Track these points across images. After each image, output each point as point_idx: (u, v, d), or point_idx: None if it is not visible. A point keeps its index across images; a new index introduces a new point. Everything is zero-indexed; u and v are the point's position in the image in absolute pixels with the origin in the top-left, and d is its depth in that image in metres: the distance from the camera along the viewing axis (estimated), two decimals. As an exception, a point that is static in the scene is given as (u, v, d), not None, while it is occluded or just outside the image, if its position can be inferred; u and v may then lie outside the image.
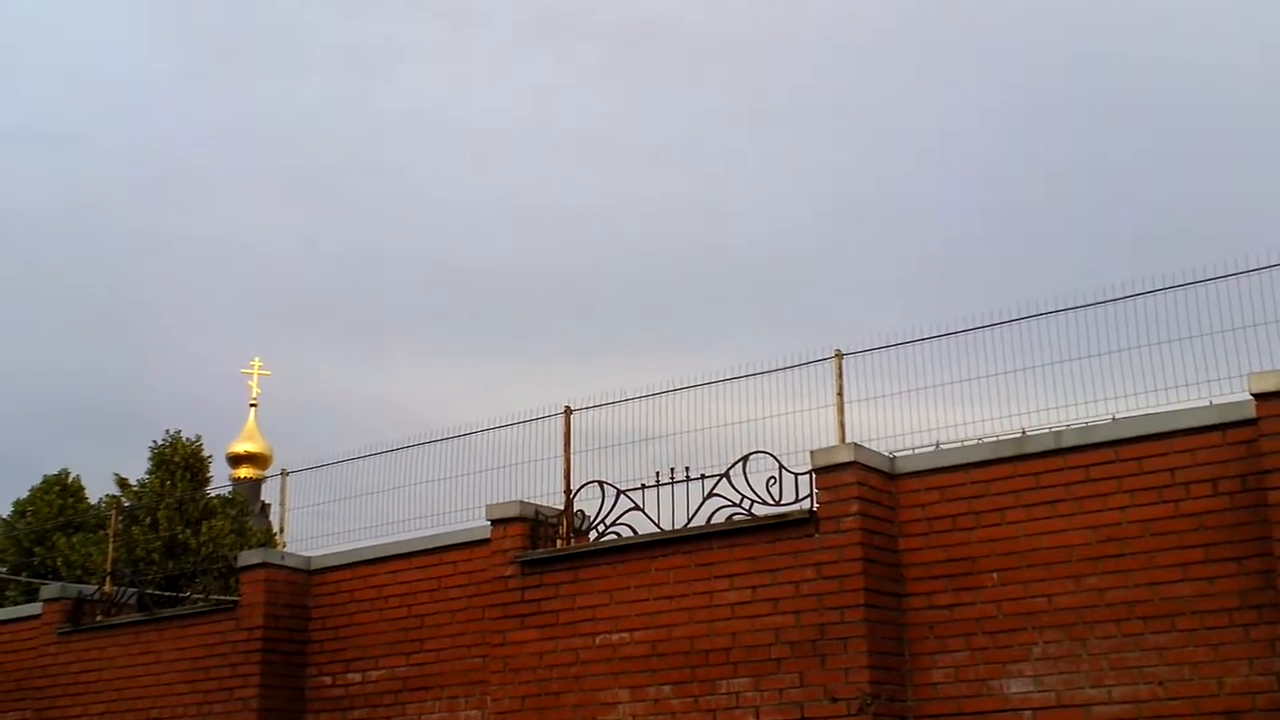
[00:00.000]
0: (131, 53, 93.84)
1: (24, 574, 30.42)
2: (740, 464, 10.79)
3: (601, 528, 11.45)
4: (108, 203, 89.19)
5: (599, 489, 11.55)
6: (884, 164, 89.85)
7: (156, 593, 15.45)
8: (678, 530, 10.96)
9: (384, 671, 12.81)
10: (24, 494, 34.57)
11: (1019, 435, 10.24)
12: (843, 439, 10.99)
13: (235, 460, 55.71)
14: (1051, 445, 9.85)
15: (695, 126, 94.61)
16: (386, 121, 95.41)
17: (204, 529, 31.10)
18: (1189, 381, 9.92)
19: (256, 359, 56.94)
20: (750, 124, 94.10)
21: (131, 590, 15.21)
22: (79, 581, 25.16)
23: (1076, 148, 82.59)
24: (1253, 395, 8.99)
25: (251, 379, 56.57)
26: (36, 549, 31.94)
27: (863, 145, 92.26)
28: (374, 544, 13.42)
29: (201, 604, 14.18)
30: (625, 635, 10.95)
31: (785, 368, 11.63)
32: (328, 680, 13.24)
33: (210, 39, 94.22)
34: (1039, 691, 9.49)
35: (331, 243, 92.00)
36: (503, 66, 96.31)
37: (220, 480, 41.56)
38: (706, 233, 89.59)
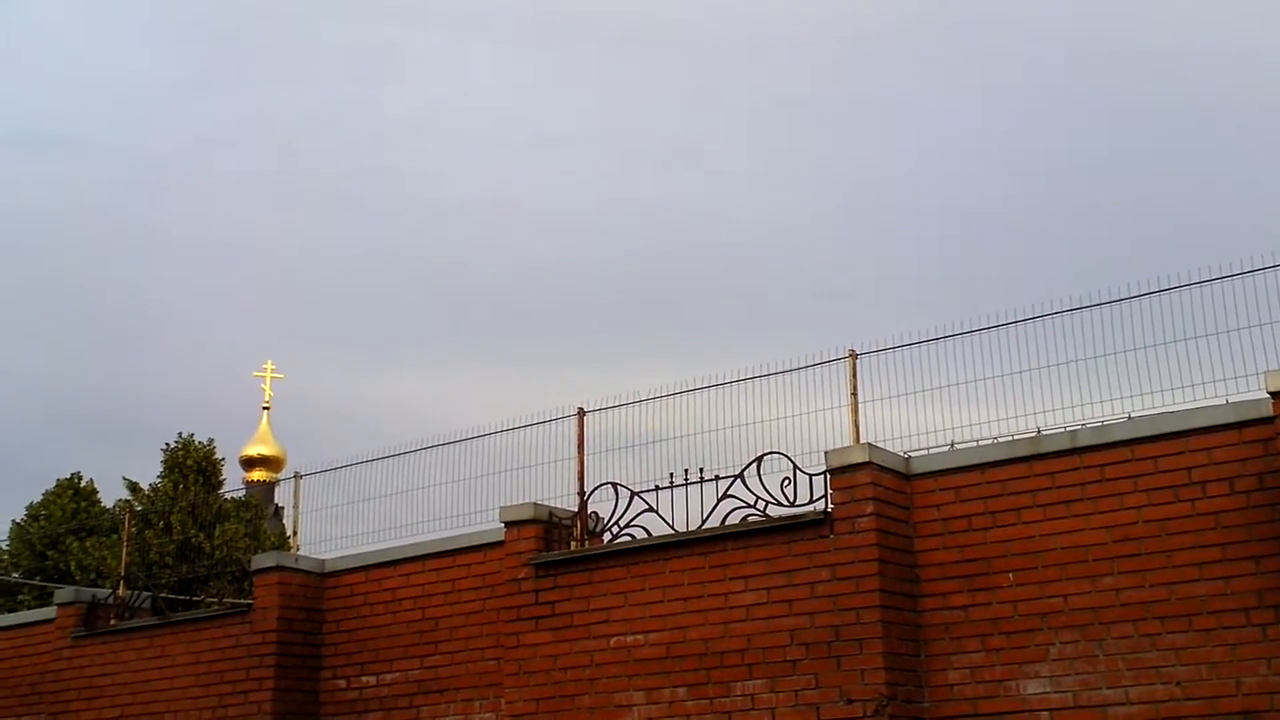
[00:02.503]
0: (134, 56, 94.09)
1: (37, 578, 30.50)
2: (754, 465, 10.77)
3: (615, 529, 11.43)
4: (111, 207, 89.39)
5: (613, 490, 11.54)
6: (890, 163, 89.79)
7: (170, 596, 15.43)
8: (692, 532, 10.94)
9: (398, 674, 12.81)
10: (37, 498, 34.69)
11: (1034, 435, 10.20)
12: (857, 439, 10.95)
13: (249, 463, 55.81)
14: (1067, 445, 9.82)
15: (699, 127, 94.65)
16: (390, 125, 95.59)
17: (218, 532, 31.13)
18: (1205, 380, 9.87)
19: (269, 362, 57.02)
20: (754, 124, 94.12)
21: (145, 594, 15.22)
22: (93, 585, 25.21)
23: (1079, 146, 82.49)
24: (1269, 393, 8.95)
25: (264, 382, 56.65)
26: (50, 553, 32.02)
27: (867, 144, 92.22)
28: (388, 547, 13.42)
29: (215, 607, 14.18)
30: (640, 637, 10.93)
31: (799, 368, 11.60)
32: (342, 683, 13.24)
33: (213, 43, 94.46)
34: (1056, 692, 9.46)
35: (338, 246, 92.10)
36: (505, 70, 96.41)
37: (234, 483, 41.68)
38: (714, 233, 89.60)
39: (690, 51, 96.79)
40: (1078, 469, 9.73)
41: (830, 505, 10.27)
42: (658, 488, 11.24)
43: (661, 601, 10.91)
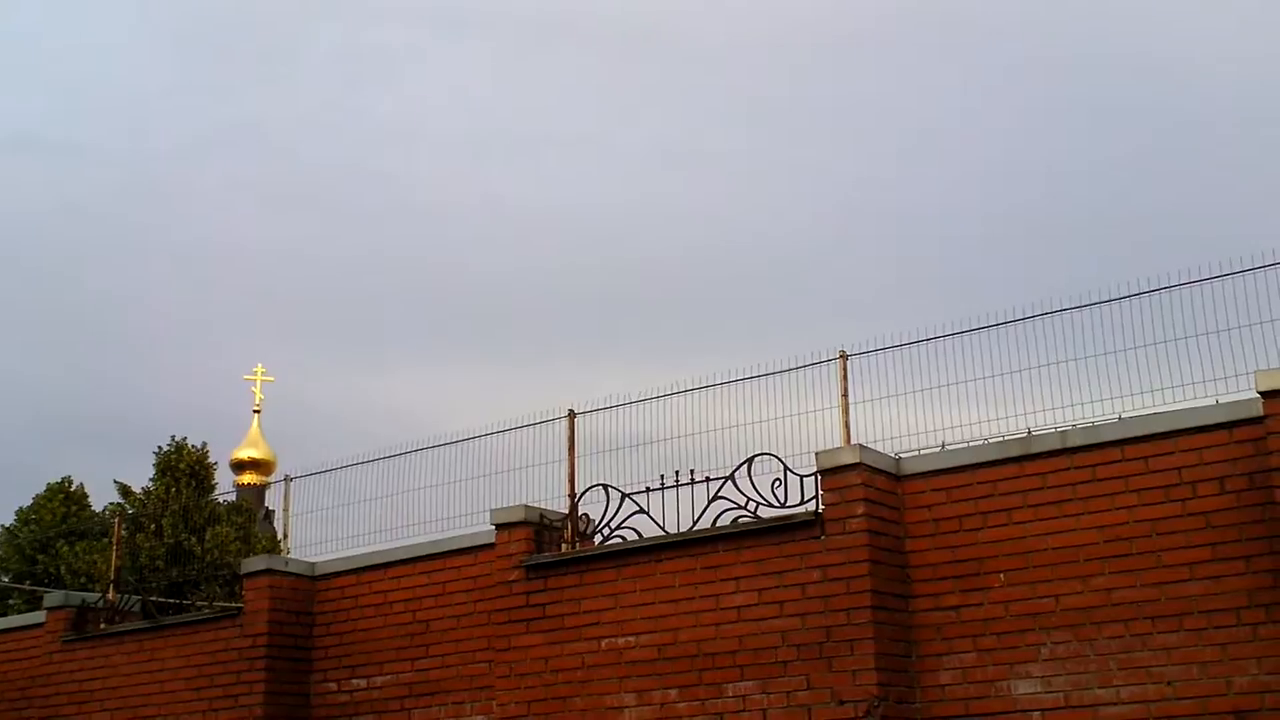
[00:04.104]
0: (127, 60, 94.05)
1: (27, 582, 30.42)
2: (745, 466, 10.75)
3: (606, 531, 11.41)
4: (106, 210, 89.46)
5: (603, 492, 11.51)
6: (883, 166, 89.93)
7: (161, 600, 15.39)
8: (683, 533, 10.92)
9: (389, 677, 12.78)
10: (27, 502, 34.59)
11: (1025, 435, 10.21)
12: (848, 440, 10.95)
13: (239, 466, 55.71)
14: (1058, 445, 9.81)
15: (692, 130, 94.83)
16: (383, 128, 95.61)
17: (208, 536, 31.04)
18: (1195, 380, 9.89)
19: (259, 365, 56.90)
20: (747, 126, 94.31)
21: (135, 598, 15.16)
22: (83, 589, 25.11)
23: (1072, 149, 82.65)
24: (1260, 393, 8.94)
25: (254, 385, 56.54)
26: (40, 557, 31.92)
27: (861, 147, 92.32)
28: (378, 549, 13.39)
29: (206, 611, 14.13)
30: (631, 639, 10.91)
31: (789, 369, 11.60)
32: (333, 686, 13.20)
33: (207, 47, 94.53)
34: (1047, 692, 9.45)
35: (331, 249, 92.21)
36: (499, 72, 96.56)
37: (225, 487, 41.62)
38: (705, 235, 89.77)
39: (684, 54, 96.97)
40: (1068, 469, 9.72)
41: (821, 506, 10.25)
42: (648, 489, 11.22)
43: (653, 603, 10.89)
